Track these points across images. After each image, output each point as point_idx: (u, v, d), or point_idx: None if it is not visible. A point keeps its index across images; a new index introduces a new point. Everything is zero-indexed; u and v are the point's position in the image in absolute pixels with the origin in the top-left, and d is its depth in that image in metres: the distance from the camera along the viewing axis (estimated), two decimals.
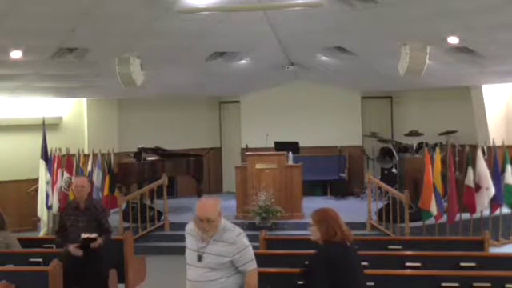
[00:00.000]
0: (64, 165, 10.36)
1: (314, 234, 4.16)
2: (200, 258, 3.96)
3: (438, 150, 9.49)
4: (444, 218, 9.10)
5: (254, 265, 4.04)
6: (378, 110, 13.58)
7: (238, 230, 4.10)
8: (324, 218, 4.16)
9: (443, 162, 9.31)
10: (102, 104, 12.54)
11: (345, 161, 12.87)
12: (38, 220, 11.05)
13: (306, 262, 4.21)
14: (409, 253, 6.19)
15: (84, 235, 5.89)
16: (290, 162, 10.53)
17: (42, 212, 10.73)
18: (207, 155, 12.43)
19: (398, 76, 8.64)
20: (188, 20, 8.03)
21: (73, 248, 5.90)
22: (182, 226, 10.00)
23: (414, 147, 11.28)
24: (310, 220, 4.21)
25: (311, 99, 13.19)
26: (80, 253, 5.88)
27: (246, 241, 4.05)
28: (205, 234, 3.97)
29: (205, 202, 4.06)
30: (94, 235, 5.93)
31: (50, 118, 11.42)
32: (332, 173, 12.67)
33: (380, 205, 9.80)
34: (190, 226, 4.13)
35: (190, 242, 4.08)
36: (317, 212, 4.24)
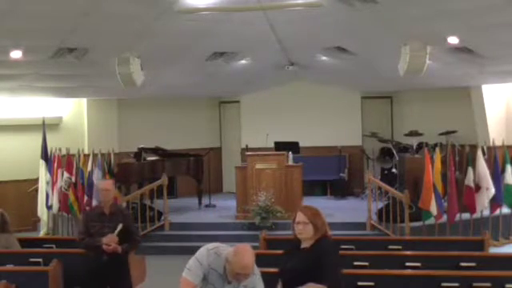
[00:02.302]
0: (64, 165, 10.35)
1: (306, 231, 4.00)
2: None
3: (437, 150, 9.47)
4: (444, 218, 9.08)
5: None
6: (378, 109, 13.57)
7: (257, 270, 3.98)
8: (318, 214, 4.07)
9: (443, 162, 9.29)
10: (101, 104, 12.53)
11: (345, 161, 12.87)
12: (38, 220, 11.06)
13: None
14: (409, 253, 6.19)
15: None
16: (290, 162, 10.52)
17: (42, 212, 10.74)
18: (207, 155, 12.42)
19: (397, 76, 8.64)
20: (188, 20, 8.03)
21: (107, 239, 5.49)
22: (182, 226, 10.15)
23: (414, 147, 11.27)
24: (300, 217, 4.02)
25: (311, 99, 13.19)
26: (115, 240, 5.50)
27: (262, 285, 3.99)
28: (239, 283, 3.82)
29: (245, 256, 3.73)
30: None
31: (49, 118, 11.41)
32: (332, 173, 12.66)
33: (380, 205, 9.79)
34: (216, 264, 3.81)
35: (215, 279, 3.82)
36: (308, 208, 4.11)
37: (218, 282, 3.82)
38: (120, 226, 5.55)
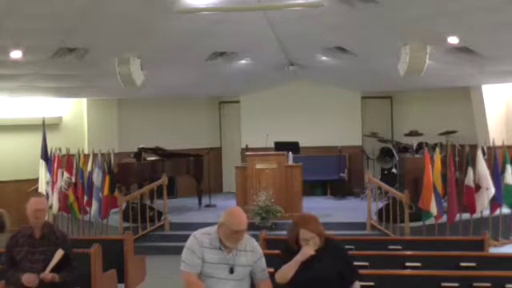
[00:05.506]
0: (64, 165, 10.36)
1: (316, 244, 4.08)
2: (232, 270, 3.90)
3: (437, 150, 9.47)
4: (444, 218, 9.08)
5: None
6: (378, 110, 13.57)
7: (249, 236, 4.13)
8: (317, 222, 4.13)
9: (443, 162, 9.30)
10: (101, 104, 12.54)
11: (345, 161, 12.86)
12: None
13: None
14: (409, 253, 6.18)
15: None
16: (290, 162, 10.52)
17: None
18: (207, 155, 12.42)
19: (398, 76, 8.65)
20: (188, 20, 8.03)
21: (27, 278, 4.58)
22: (182, 226, 10.15)
23: (414, 147, 11.27)
24: (307, 235, 4.05)
25: (311, 99, 13.20)
26: (35, 281, 4.59)
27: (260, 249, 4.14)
28: (236, 244, 3.93)
29: (239, 214, 3.98)
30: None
31: (49, 118, 11.43)
32: (332, 173, 12.66)
33: (380, 205, 9.79)
34: (209, 241, 3.94)
35: (212, 256, 3.90)
36: (308, 222, 4.12)
37: (217, 258, 3.91)
38: (59, 254, 4.69)
